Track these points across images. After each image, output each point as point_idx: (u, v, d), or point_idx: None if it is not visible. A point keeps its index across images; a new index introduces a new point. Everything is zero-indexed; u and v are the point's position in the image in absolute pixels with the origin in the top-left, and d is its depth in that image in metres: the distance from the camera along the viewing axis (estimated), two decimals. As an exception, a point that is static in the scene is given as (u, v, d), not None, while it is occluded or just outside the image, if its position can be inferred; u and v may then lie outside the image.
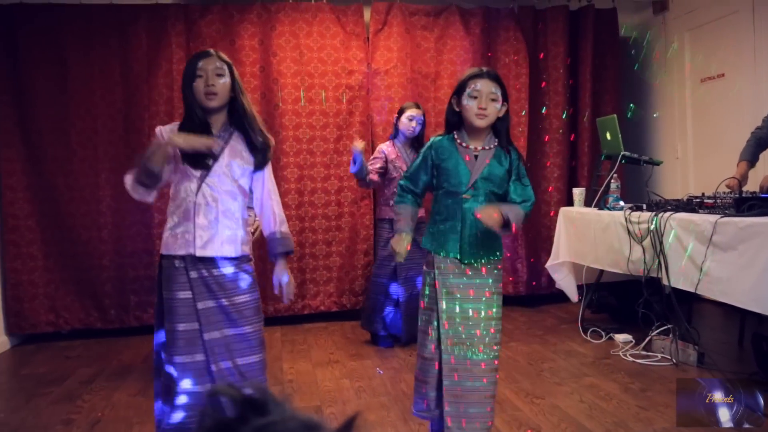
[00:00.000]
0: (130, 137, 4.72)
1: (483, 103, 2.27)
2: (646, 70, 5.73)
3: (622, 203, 3.86)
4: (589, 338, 4.08)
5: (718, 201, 3.14)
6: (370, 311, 4.21)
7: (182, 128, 2.27)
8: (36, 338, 4.65)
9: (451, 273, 2.32)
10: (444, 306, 2.30)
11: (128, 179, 2.26)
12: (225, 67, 2.27)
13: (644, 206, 3.71)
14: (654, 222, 3.33)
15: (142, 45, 4.73)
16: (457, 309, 2.30)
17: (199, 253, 2.23)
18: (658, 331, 3.66)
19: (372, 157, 4.26)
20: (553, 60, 5.36)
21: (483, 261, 2.34)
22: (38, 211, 4.65)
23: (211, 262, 2.26)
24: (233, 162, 2.28)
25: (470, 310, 2.29)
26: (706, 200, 3.26)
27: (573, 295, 4.43)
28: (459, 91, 2.34)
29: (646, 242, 3.41)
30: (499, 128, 2.36)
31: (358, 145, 3.94)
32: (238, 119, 2.30)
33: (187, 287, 2.25)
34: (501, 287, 2.39)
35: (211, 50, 2.32)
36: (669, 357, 3.52)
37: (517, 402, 3.05)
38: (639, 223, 3.48)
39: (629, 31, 5.74)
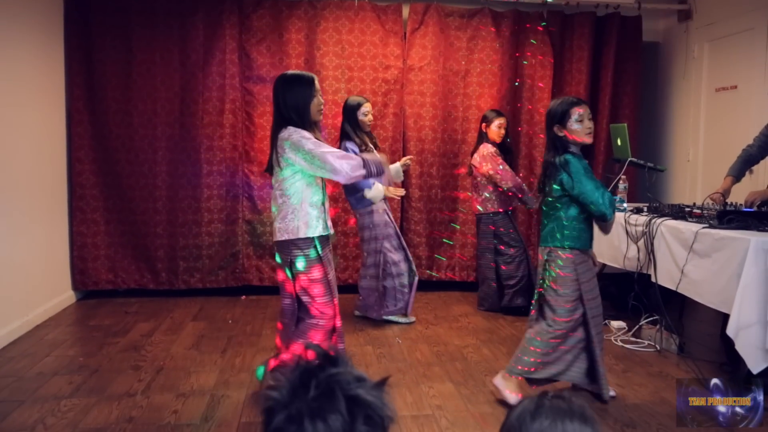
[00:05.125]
0: (185, 119, 5.24)
1: (589, 124, 2.85)
2: (665, 76, 6.05)
3: (625, 205, 4.27)
4: (588, 323, 4.51)
5: (704, 212, 3.55)
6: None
7: None
8: (97, 294, 5.25)
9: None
10: None
11: (357, 171, 2.68)
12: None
13: (645, 209, 4.13)
14: (648, 226, 3.76)
15: (199, 35, 5.21)
16: None
17: (330, 232, 2.85)
18: (647, 320, 4.11)
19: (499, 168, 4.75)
20: (577, 63, 5.71)
21: None
22: (102, 182, 5.21)
23: (329, 239, 2.85)
24: None
25: None
26: (694, 210, 3.67)
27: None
28: (561, 119, 2.84)
29: (641, 242, 3.84)
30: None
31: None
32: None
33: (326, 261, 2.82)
34: None
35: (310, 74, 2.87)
36: (654, 344, 3.96)
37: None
38: (636, 225, 3.90)
39: (652, 37, 6.05)
